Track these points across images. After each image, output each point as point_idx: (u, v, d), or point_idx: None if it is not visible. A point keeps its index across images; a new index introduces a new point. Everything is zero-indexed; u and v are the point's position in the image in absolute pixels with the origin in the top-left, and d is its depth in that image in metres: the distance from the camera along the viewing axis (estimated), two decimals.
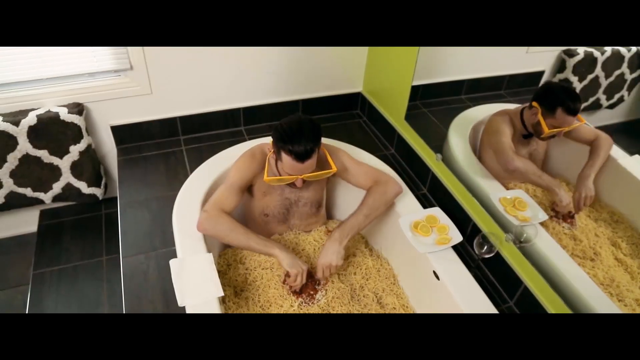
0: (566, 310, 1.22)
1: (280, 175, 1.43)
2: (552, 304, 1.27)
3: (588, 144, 1.36)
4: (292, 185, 1.47)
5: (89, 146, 1.85)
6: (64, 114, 1.71)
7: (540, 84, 1.44)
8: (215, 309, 1.24)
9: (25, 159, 1.75)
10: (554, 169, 1.51)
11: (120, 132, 1.94)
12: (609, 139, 1.32)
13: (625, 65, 1.32)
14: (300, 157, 1.32)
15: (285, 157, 1.34)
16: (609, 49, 1.35)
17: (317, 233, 1.67)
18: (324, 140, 1.76)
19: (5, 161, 1.73)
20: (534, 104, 1.38)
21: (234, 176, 1.50)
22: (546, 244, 1.31)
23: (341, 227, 1.48)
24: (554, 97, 1.35)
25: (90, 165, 1.89)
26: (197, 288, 1.28)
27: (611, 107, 1.37)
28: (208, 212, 1.41)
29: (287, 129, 1.33)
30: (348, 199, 1.87)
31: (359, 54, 2.14)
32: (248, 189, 1.59)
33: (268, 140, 1.51)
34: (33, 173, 1.80)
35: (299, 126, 1.33)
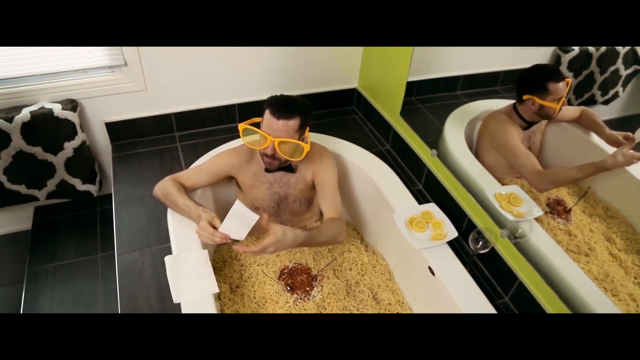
0: (561, 305, 1.22)
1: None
2: (547, 300, 1.28)
3: (576, 121, 1.39)
4: (266, 157, 1.42)
5: (83, 143, 1.84)
6: (58, 111, 1.70)
7: (518, 77, 1.46)
8: (210, 305, 1.23)
9: (19, 155, 1.74)
10: (549, 159, 1.51)
11: (115, 129, 1.93)
12: (589, 109, 1.38)
13: (620, 61, 1.32)
14: (277, 109, 1.34)
15: (265, 112, 1.37)
16: None
17: None
18: (320, 139, 1.76)
19: None
20: (525, 97, 1.39)
21: (209, 161, 1.56)
22: (541, 240, 1.31)
23: (309, 234, 1.34)
24: (537, 79, 1.38)
25: (84, 162, 1.88)
26: (192, 285, 1.28)
27: (606, 102, 1.38)
28: (163, 179, 1.50)
29: (278, 95, 1.39)
30: (346, 195, 1.87)
31: (354, 50, 2.14)
32: (236, 183, 1.61)
33: None
34: (27, 170, 1.79)
35: (289, 96, 1.39)
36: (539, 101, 1.37)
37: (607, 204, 1.36)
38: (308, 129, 1.44)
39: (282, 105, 1.34)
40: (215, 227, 1.29)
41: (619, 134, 1.27)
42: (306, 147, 1.39)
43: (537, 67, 1.40)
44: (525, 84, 1.42)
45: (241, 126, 1.41)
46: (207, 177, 1.55)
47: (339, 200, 1.54)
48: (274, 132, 1.35)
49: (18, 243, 2.07)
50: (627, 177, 1.26)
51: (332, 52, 2.09)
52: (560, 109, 1.36)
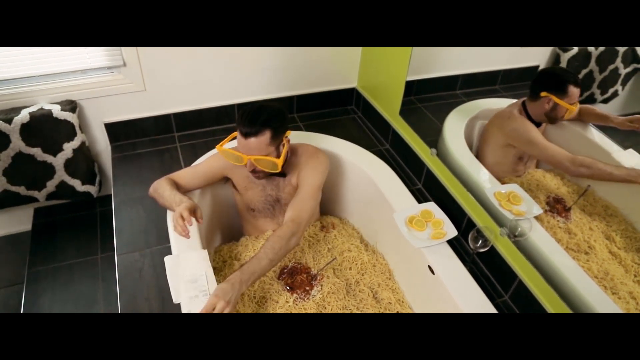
0: (561, 303, 1.22)
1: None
2: (547, 298, 1.28)
3: (576, 119, 1.40)
4: (252, 172, 1.46)
5: (82, 144, 1.84)
6: (57, 111, 1.70)
7: (538, 73, 1.45)
8: None
9: (19, 157, 1.74)
10: None
11: (114, 129, 1.93)
12: (587, 105, 1.39)
13: (619, 59, 1.32)
14: (244, 127, 1.34)
15: (237, 131, 1.38)
16: None
17: (311, 229, 1.67)
18: (320, 139, 1.76)
19: None
20: (543, 93, 1.39)
21: (204, 161, 1.59)
22: (541, 238, 1.31)
23: (242, 270, 1.25)
24: (561, 78, 1.38)
25: (84, 163, 1.88)
26: (192, 285, 1.28)
27: (605, 101, 1.38)
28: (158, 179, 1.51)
29: (246, 109, 1.37)
30: (345, 194, 1.87)
31: (354, 49, 2.14)
32: (232, 185, 1.62)
33: None
34: (26, 171, 1.79)
35: (256, 108, 1.37)
36: (556, 100, 1.36)
37: (606, 202, 1.36)
38: (289, 132, 1.45)
39: (249, 122, 1.34)
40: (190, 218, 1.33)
41: (626, 119, 1.29)
42: (279, 162, 1.39)
43: (560, 68, 1.40)
44: (546, 81, 1.41)
45: (218, 148, 1.44)
46: (202, 177, 1.56)
47: (307, 204, 1.45)
48: (247, 150, 1.37)
49: (18, 244, 2.07)
50: None
51: (331, 52, 2.09)
52: (569, 114, 1.37)
